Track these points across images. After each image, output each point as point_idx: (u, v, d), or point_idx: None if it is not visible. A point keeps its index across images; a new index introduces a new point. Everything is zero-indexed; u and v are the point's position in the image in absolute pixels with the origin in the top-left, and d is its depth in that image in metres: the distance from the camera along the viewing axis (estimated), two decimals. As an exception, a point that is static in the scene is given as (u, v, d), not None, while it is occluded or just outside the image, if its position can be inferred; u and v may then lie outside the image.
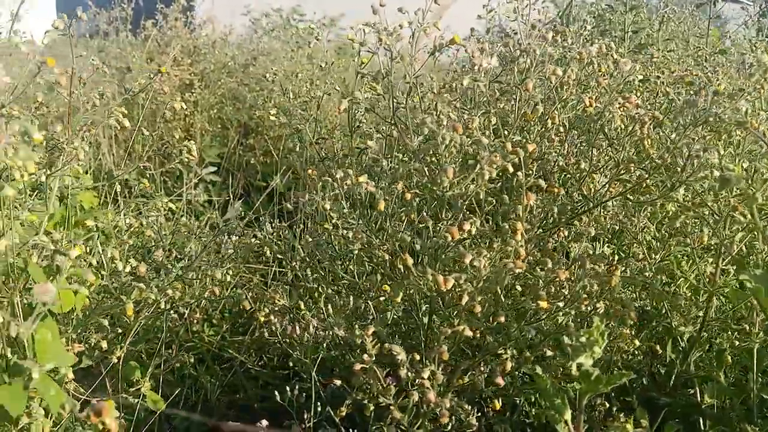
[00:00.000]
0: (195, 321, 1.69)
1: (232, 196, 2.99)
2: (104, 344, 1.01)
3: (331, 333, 1.04)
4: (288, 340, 1.41)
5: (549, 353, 1.10)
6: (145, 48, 3.84)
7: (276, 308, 1.17)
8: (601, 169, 1.25)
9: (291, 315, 1.23)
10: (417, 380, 0.94)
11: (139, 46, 4.02)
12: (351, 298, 1.19)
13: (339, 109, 1.01)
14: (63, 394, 0.75)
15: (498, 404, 1.11)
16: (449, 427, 1.00)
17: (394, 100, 1.10)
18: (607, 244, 1.41)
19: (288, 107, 3.69)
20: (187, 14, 4.30)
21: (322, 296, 1.27)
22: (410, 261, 0.91)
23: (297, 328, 1.02)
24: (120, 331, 1.21)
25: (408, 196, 1.08)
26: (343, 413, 1.15)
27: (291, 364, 1.52)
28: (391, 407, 0.90)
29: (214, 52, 3.88)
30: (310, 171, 1.20)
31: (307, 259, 1.32)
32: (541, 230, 1.13)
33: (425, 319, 1.15)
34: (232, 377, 1.81)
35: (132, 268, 1.07)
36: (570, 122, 1.27)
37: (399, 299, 0.93)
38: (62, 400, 0.75)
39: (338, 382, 1.17)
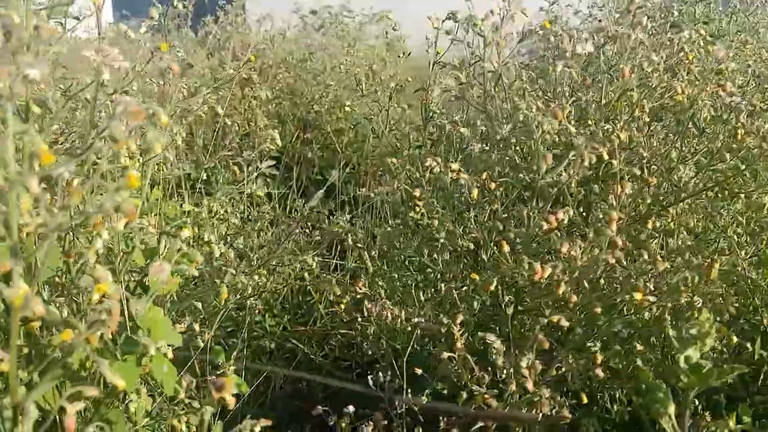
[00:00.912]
0: (257, 311, 1.71)
1: (294, 190, 3.01)
2: (197, 327, 1.03)
3: (416, 321, 1.03)
4: (360, 330, 1.42)
5: (639, 347, 1.08)
6: (205, 44, 3.92)
7: (358, 296, 1.17)
8: (691, 159, 1.21)
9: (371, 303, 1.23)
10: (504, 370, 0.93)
11: (199, 43, 4.10)
12: (434, 287, 1.19)
13: (429, 97, 1.00)
14: (175, 370, 0.77)
15: (585, 398, 1.09)
16: (540, 418, 0.98)
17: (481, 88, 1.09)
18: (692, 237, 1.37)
19: (346, 102, 3.71)
20: (242, 11, 4.36)
21: (399, 285, 1.27)
22: (507, 248, 0.90)
23: (389, 314, 1.02)
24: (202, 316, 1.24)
25: (492, 185, 1.07)
26: (425, 402, 1.15)
27: (366, 353, 1.53)
28: (486, 396, 0.89)
29: (272, 47, 3.93)
30: (391, 160, 1.19)
31: (385, 248, 1.33)
32: (631, 221, 1.10)
33: (508, 310, 1.14)
34: (296, 367, 1.83)
35: (221, 254, 1.09)
36: (655, 111, 1.24)
37: (492, 287, 0.92)
38: (175, 377, 0.76)
39: (419, 371, 1.18)
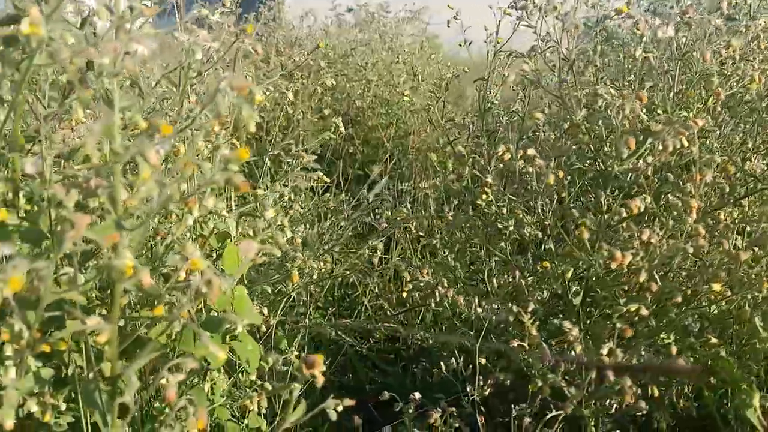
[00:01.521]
0: (301, 302, 1.72)
1: (338, 183, 3.01)
2: (265, 310, 1.04)
3: (488, 310, 1.02)
4: (408, 323, 1.41)
5: (714, 340, 1.05)
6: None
7: (421, 284, 1.17)
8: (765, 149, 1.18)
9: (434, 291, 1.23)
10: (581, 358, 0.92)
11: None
12: (497, 277, 1.18)
13: (507, 82, 0.99)
14: (259, 349, 0.77)
15: (657, 391, 1.07)
16: (613, 410, 0.97)
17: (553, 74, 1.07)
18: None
19: (387, 97, 3.70)
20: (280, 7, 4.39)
21: (462, 274, 1.26)
22: (587, 235, 0.89)
23: (474, 303, 1.02)
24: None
25: (561, 174, 1.06)
26: (488, 392, 1.14)
27: (426, 343, 1.53)
28: (562, 384, 0.88)
29: (314, 42, 3.94)
30: (458, 148, 1.18)
31: (446, 238, 1.32)
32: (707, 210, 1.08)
33: (576, 300, 1.13)
34: (342, 359, 1.83)
35: (288, 239, 1.10)
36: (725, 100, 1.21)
37: (569, 275, 0.91)
38: (259, 354, 0.77)
39: (483, 361, 1.17)
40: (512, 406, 0.99)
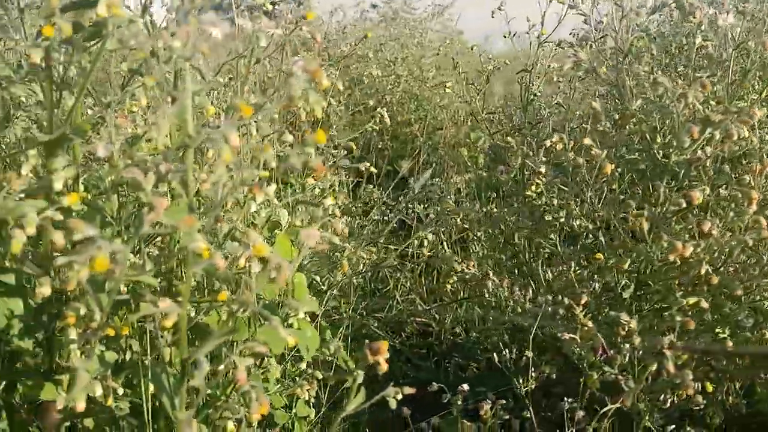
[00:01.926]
0: (332, 296, 1.72)
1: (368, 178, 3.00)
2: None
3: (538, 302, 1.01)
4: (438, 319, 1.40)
5: (769, 335, 1.03)
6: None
7: (466, 276, 1.16)
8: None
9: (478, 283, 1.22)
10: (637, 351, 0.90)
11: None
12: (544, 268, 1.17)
13: (562, 71, 0.98)
14: (318, 336, 0.77)
15: (710, 386, 1.05)
16: (668, 404, 0.95)
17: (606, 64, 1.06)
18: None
19: (416, 92, 3.69)
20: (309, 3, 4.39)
21: (507, 266, 1.25)
22: (646, 226, 0.87)
23: (527, 294, 1.01)
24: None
25: (612, 166, 1.04)
26: (533, 386, 1.13)
27: (459, 338, 1.52)
28: (619, 377, 0.87)
29: (344, 38, 3.95)
30: (507, 139, 1.17)
31: (490, 230, 1.31)
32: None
33: (626, 294, 1.11)
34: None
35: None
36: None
37: (626, 266, 0.89)
38: (318, 343, 0.77)
39: (530, 354, 1.16)
40: (562, 399, 0.98)
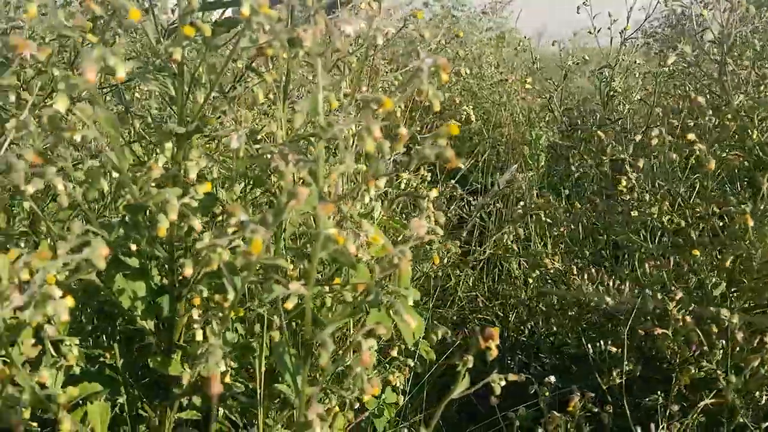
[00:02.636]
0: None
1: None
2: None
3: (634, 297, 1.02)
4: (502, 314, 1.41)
5: None
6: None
7: (550, 271, 1.17)
8: None
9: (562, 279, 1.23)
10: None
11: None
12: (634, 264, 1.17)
13: (665, 64, 0.98)
14: (423, 323, 0.80)
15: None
16: (762, 400, 0.95)
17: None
18: None
19: (476, 89, 3.68)
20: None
21: (587, 262, 1.26)
22: (751, 222, 0.87)
23: (611, 286, 1.02)
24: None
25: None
26: (617, 381, 1.14)
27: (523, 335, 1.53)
28: (719, 372, 0.87)
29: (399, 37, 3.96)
30: (597, 132, 1.18)
31: (572, 226, 1.32)
32: None
33: (716, 291, 1.10)
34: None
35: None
36: None
37: (728, 263, 0.89)
38: (422, 330, 0.80)
39: (613, 348, 1.16)
40: (644, 395, 0.99)
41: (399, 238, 0.98)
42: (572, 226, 1.27)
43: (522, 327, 1.97)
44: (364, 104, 0.59)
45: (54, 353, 0.82)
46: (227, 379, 0.81)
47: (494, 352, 0.71)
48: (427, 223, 0.82)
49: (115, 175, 0.72)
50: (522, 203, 1.29)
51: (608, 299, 1.15)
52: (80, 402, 0.86)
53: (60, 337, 0.81)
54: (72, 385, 0.80)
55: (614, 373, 1.01)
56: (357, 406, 0.92)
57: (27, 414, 0.72)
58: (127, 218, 0.74)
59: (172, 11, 1.04)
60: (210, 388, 0.52)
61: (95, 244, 0.53)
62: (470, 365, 0.72)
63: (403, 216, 1.20)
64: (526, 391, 1.15)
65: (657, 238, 1.19)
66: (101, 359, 0.94)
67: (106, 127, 0.60)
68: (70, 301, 0.60)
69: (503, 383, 0.77)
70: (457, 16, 4.97)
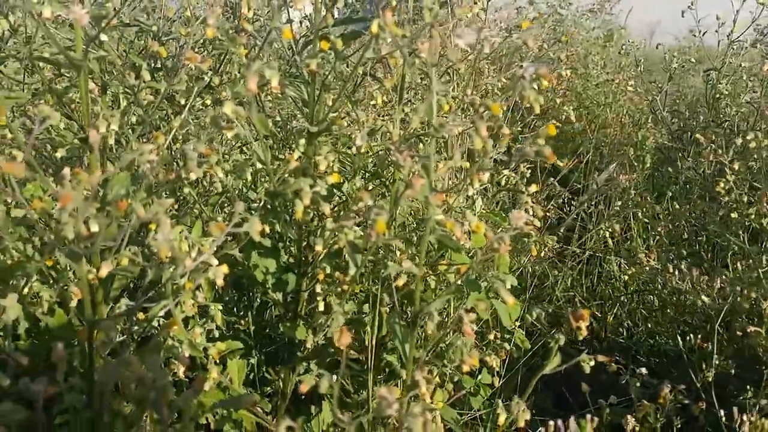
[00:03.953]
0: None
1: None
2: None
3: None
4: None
5: None
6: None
7: (647, 267, 1.21)
8: None
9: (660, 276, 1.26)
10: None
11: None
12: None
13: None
14: (518, 305, 0.88)
15: None
16: None
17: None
18: None
19: (580, 90, 3.65)
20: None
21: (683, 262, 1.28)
22: None
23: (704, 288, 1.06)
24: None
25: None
26: (710, 379, 1.16)
27: (621, 337, 1.56)
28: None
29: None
30: (700, 135, 1.20)
31: (670, 226, 1.34)
32: None
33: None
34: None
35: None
36: None
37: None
38: (519, 310, 0.88)
39: (707, 345, 1.18)
40: (737, 392, 1.01)
41: (499, 230, 1.07)
42: (670, 226, 1.30)
43: (620, 329, 1.99)
44: (473, 107, 0.68)
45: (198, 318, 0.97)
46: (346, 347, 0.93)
47: (583, 332, 0.78)
48: (526, 215, 0.90)
49: (258, 166, 0.85)
50: (620, 202, 1.33)
51: (705, 298, 1.17)
52: (216, 361, 1.01)
53: (206, 302, 0.96)
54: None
55: (707, 371, 1.04)
56: (456, 379, 1.01)
57: (181, 371, 0.87)
58: (266, 203, 0.88)
59: (300, 23, 1.18)
60: (339, 341, 0.63)
61: (252, 220, 0.66)
62: (561, 343, 0.80)
63: (502, 212, 1.27)
64: (625, 392, 1.20)
65: (761, 241, 1.20)
66: (236, 326, 1.10)
67: (258, 126, 0.73)
68: (224, 269, 0.73)
69: (592, 363, 0.84)
70: (562, 14, 4.90)
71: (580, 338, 0.79)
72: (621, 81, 3.26)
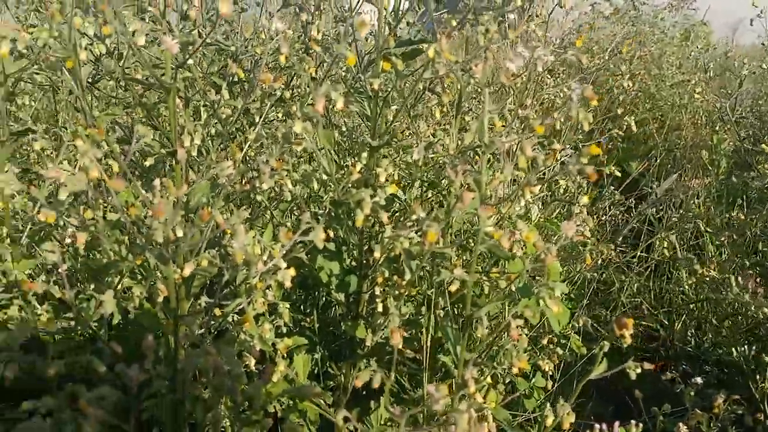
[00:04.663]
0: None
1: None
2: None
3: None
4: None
5: None
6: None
7: (706, 278, 1.21)
8: None
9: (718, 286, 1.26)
10: None
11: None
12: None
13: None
14: (568, 311, 0.92)
15: None
16: None
17: None
18: None
19: (653, 91, 3.57)
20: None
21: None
22: None
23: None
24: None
25: None
26: (766, 390, 1.15)
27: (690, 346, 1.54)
28: None
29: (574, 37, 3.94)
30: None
31: (734, 236, 1.33)
32: None
33: None
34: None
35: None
36: None
37: None
38: (568, 316, 0.92)
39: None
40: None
41: (555, 238, 1.10)
42: (734, 236, 1.29)
43: (688, 337, 1.96)
44: (525, 124, 0.73)
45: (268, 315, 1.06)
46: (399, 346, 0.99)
47: (628, 339, 0.81)
48: (577, 226, 0.94)
49: (323, 177, 0.93)
50: (681, 211, 1.32)
51: (766, 309, 1.17)
52: (284, 356, 1.10)
53: (275, 301, 1.05)
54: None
55: (761, 382, 1.04)
56: (507, 380, 1.05)
57: (252, 363, 0.96)
58: (330, 210, 0.95)
59: (366, 39, 1.25)
60: (393, 339, 0.70)
61: (317, 229, 0.73)
62: (606, 349, 0.83)
63: (561, 218, 1.30)
64: (680, 401, 1.21)
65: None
66: (302, 323, 1.18)
67: (323, 141, 0.81)
68: (292, 272, 0.81)
69: (638, 371, 0.87)
70: (639, 10, 4.77)
71: (626, 344, 0.82)
72: (697, 81, 3.17)
